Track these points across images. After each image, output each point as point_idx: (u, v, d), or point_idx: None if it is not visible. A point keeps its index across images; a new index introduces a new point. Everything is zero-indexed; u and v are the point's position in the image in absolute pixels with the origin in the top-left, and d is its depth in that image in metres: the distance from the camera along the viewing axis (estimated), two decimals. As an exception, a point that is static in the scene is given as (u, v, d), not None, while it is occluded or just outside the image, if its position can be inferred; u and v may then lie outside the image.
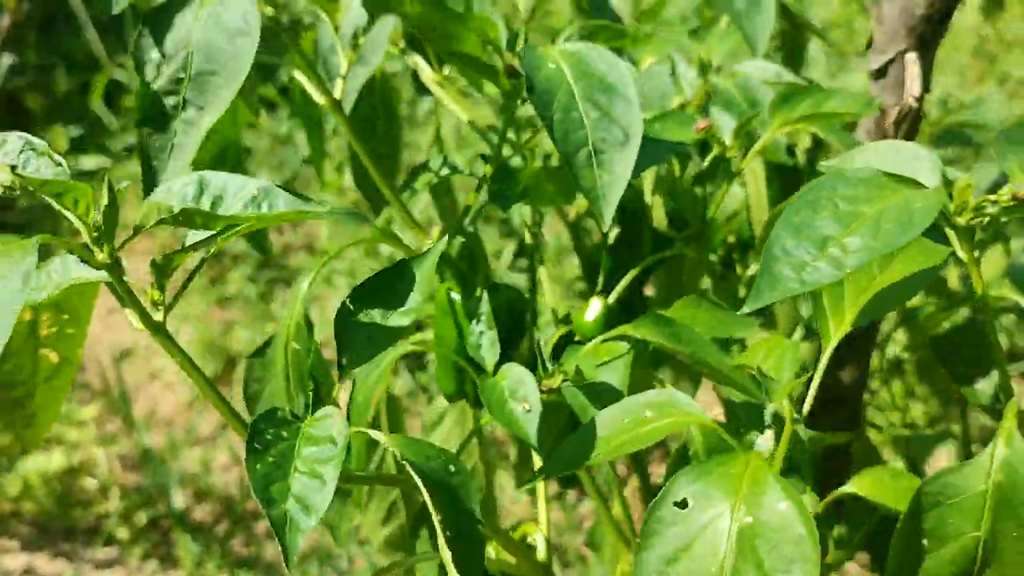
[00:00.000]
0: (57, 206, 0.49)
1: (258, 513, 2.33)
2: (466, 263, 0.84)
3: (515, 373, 0.72)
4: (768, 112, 0.84)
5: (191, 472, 2.37)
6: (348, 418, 0.79)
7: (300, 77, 0.86)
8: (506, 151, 1.07)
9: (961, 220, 0.63)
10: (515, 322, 0.86)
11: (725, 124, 0.84)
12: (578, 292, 1.14)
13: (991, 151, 1.13)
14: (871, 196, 0.59)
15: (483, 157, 0.89)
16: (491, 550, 0.77)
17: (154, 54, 0.68)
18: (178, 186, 0.53)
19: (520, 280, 2.12)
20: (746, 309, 0.57)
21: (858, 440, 1.06)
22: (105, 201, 0.50)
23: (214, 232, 0.53)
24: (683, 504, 0.58)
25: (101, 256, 0.51)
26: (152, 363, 2.70)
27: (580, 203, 1.00)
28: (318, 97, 0.84)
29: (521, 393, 0.70)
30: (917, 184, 0.61)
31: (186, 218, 0.51)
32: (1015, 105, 3.49)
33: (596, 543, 1.25)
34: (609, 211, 0.69)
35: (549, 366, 0.76)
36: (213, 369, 2.68)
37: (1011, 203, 0.61)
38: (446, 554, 0.55)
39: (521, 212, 0.89)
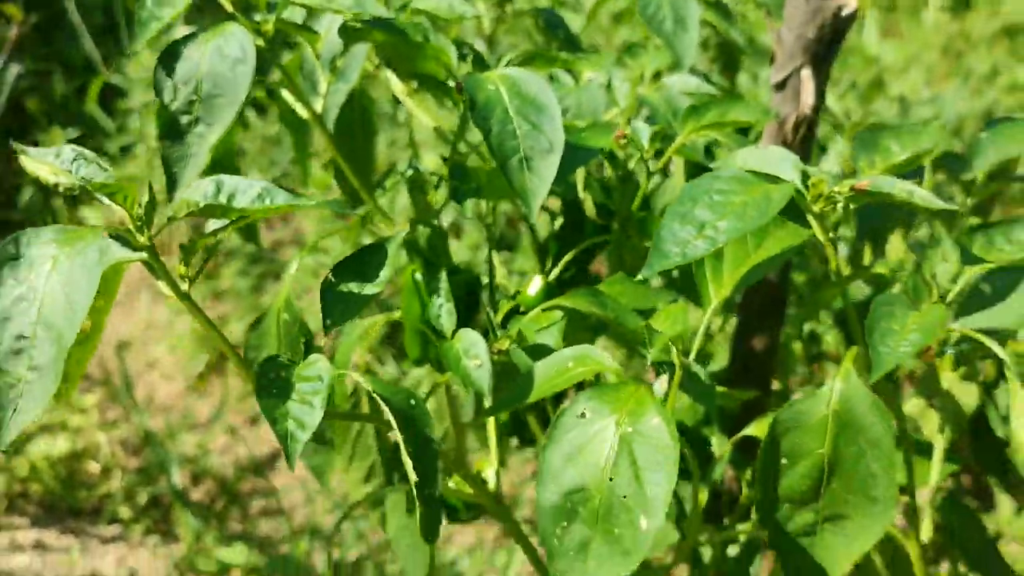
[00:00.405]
0: (108, 200, 0.65)
1: (252, 493, 2.48)
2: (430, 250, 1.00)
3: (469, 337, 0.88)
4: (680, 121, 1.00)
5: (188, 455, 2.51)
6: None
7: (287, 95, 1.02)
8: (468, 152, 1.23)
9: (816, 208, 0.80)
10: (471, 299, 1.02)
11: (642, 132, 1.00)
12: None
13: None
14: (739, 190, 0.76)
15: (443, 158, 1.05)
16: (453, 484, 0.94)
17: (170, 81, 0.84)
18: (201, 187, 0.69)
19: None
20: (640, 276, 0.74)
21: (777, 400, 1.23)
22: (146, 198, 0.65)
23: (230, 220, 0.69)
24: (582, 416, 0.75)
25: (142, 240, 0.67)
26: (149, 354, 2.84)
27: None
28: (303, 112, 1.00)
29: (473, 352, 0.87)
30: (777, 179, 0.78)
31: (210, 210, 0.68)
32: (977, 101, 3.61)
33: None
34: (536, 206, 0.86)
35: (498, 332, 0.92)
36: (208, 360, 2.81)
37: (851, 193, 0.78)
38: (409, 464, 0.72)
39: (477, 205, 1.05)
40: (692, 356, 0.82)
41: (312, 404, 0.68)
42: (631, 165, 1.05)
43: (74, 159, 0.68)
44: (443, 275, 0.91)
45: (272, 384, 0.69)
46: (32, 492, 2.43)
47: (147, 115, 3.40)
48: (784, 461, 0.79)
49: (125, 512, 2.36)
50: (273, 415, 0.67)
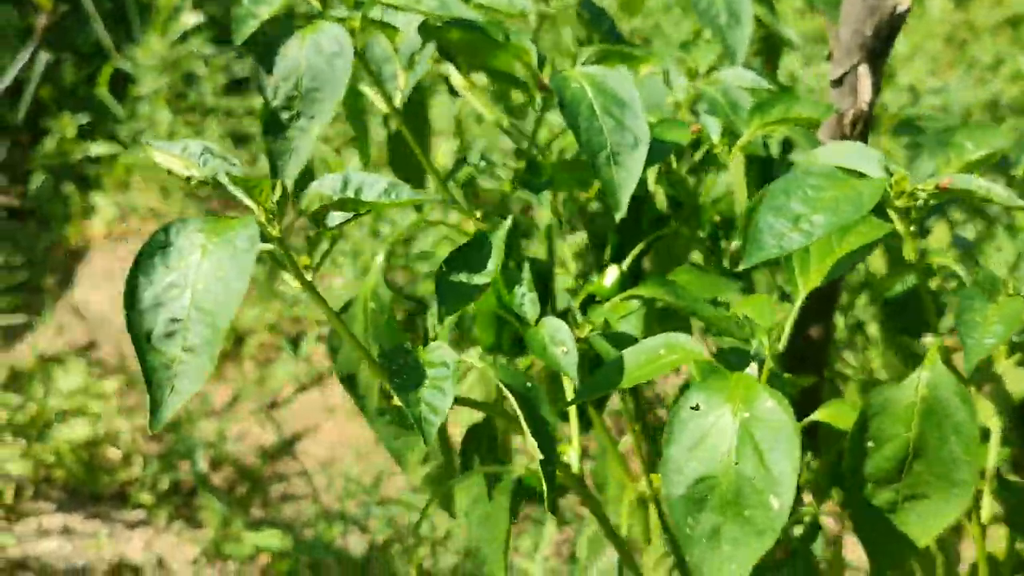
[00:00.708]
0: (242, 195, 0.68)
1: (272, 478, 2.51)
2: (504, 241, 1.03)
3: (553, 324, 0.92)
4: (747, 116, 1.04)
5: (207, 441, 2.54)
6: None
7: (367, 91, 1.05)
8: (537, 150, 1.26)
9: (899, 203, 0.84)
10: (543, 287, 1.06)
11: (712, 126, 1.04)
12: (579, 271, 1.34)
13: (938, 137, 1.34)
14: (830, 185, 0.80)
15: (516, 153, 1.08)
16: (534, 466, 0.97)
17: (271, 78, 0.86)
18: (328, 182, 0.72)
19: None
20: (741, 267, 0.78)
21: (827, 387, 1.27)
22: (279, 192, 0.68)
23: (356, 213, 0.72)
24: (696, 408, 0.78)
25: (274, 232, 0.70)
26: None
27: (591, 189, 1.20)
28: (381, 105, 1.03)
29: (559, 338, 0.90)
30: (865, 175, 0.82)
31: (342, 204, 0.70)
32: (981, 91, 3.65)
33: (600, 482, 1.43)
34: (624, 200, 0.89)
35: (579, 319, 0.96)
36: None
37: (935, 190, 0.81)
38: (531, 441, 0.76)
39: (547, 197, 1.09)
40: (782, 346, 0.85)
41: (443, 389, 0.72)
42: (696, 158, 1.09)
43: (201, 153, 0.70)
44: (526, 265, 0.95)
45: (401, 370, 0.73)
46: (56, 478, 2.45)
47: (156, 101, 3.41)
48: (871, 444, 0.83)
49: (147, 498, 2.38)
50: (407, 400, 0.70)
